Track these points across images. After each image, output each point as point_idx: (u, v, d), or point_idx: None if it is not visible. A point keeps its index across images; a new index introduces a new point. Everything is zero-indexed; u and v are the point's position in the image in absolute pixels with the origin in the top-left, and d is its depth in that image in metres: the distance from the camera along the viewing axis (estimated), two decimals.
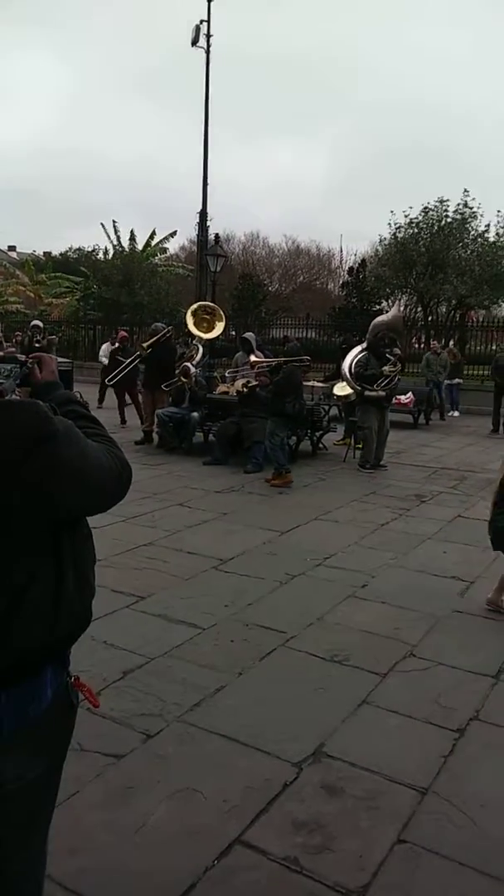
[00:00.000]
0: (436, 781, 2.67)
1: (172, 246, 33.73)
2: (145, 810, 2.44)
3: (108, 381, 11.70)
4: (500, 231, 20.42)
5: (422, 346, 23.70)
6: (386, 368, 9.15)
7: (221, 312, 12.39)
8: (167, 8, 56.45)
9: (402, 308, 9.93)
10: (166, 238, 30.28)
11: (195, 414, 9.85)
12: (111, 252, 29.14)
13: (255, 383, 9.13)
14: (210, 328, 11.79)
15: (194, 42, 19.36)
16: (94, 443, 1.47)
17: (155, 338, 10.70)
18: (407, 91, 64.65)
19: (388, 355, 9.36)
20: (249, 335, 10.78)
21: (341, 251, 40.29)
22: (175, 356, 10.87)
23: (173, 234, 30.40)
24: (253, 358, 9.40)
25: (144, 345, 11.06)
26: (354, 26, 67.85)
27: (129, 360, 11.47)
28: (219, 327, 11.93)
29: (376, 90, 63.56)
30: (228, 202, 51.82)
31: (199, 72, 19.52)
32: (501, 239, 20.41)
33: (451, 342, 19.29)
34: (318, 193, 61.65)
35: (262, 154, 62.90)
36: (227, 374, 11.44)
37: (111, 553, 5.19)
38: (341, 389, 10.26)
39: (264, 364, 9.06)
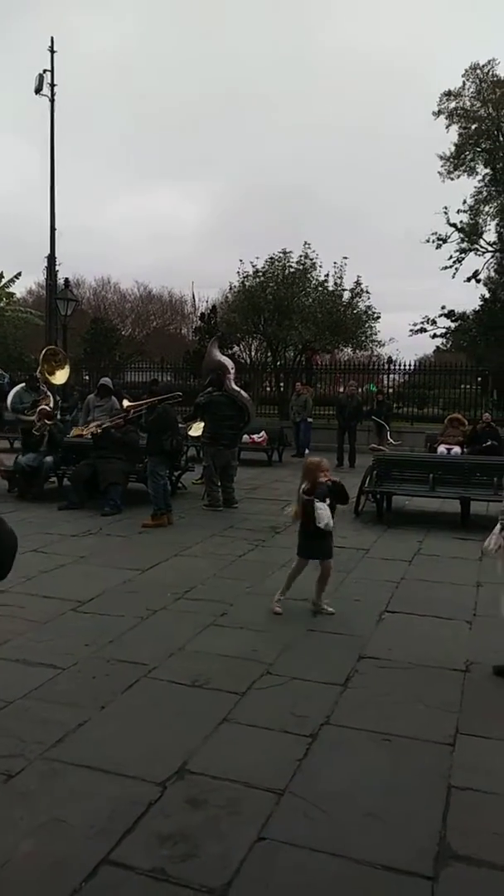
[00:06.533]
0: (291, 783, 2.86)
1: (19, 290, 33.01)
2: (9, 847, 2.41)
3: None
4: (337, 281, 22.08)
5: (272, 388, 24.83)
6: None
7: (65, 356, 12.33)
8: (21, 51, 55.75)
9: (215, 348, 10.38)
10: (11, 280, 29.61)
11: (48, 458, 9.66)
12: None
13: (108, 424, 9.17)
14: (53, 372, 11.66)
15: (37, 90, 19.57)
16: None
17: None
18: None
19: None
20: (106, 380, 10.91)
21: (193, 297, 41.38)
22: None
23: (18, 275, 29.80)
24: (126, 403, 9.46)
25: None
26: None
27: None
28: (62, 373, 11.84)
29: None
30: (78, 248, 51.62)
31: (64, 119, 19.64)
32: (339, 288, 22.04)
33: (300, 384, 20.42)
34: (178, 239, 62.89)
35: (120, 200, 63.53)
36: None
37: None
38: (196, 430, 10.56)
39: (140, 407, 9.10)
